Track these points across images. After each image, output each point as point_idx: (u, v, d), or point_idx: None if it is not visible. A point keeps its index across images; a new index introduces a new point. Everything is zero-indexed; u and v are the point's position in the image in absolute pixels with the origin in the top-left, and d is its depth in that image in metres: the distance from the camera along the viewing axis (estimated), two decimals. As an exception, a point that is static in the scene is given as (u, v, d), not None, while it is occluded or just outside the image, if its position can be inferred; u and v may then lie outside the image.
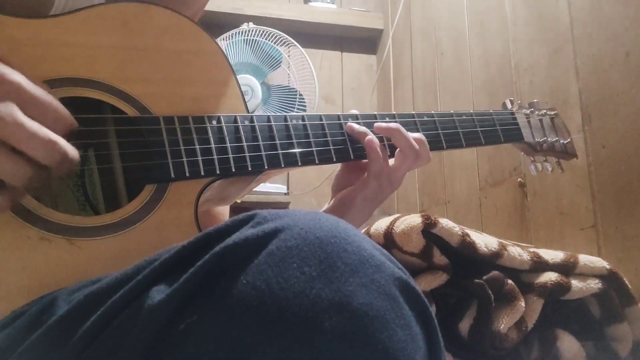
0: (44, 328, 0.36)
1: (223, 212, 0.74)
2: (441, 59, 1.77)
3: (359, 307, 0.32)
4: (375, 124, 0.66)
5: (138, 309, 0.33)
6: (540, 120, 0.83)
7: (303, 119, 0.61)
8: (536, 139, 0.80)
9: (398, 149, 0.67)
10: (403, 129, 0.66)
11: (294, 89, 1.80)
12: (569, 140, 0.84)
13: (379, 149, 0.64)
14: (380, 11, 2.31)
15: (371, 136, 0.64)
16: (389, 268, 0.35)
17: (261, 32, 1.81)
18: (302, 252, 0.33)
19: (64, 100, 0.49)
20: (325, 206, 0.72)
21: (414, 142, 0.66)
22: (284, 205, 1.92)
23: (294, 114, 0.61)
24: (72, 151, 0.42)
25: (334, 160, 0.62)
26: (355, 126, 0.65)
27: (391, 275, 0.35)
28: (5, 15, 0.48)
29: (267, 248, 0.34)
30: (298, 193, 2.06)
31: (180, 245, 0.36)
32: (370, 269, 0.34)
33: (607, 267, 0.87)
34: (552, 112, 0.85)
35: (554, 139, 0.82)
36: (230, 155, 0.54)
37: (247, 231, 0.35)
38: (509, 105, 0.84)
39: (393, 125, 0.66)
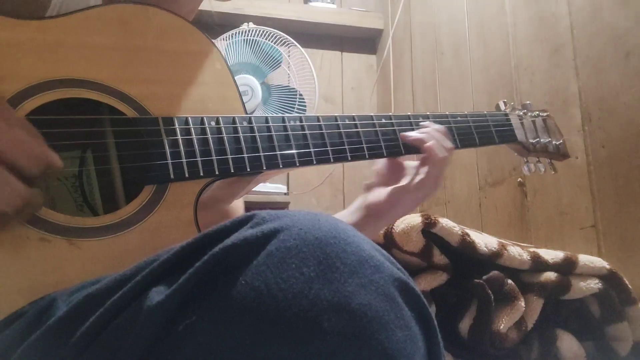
0: (44, 329, 0.36)
1: (237, 210, 0.73)
2: (441, 58, 1.77)
3: (358, 307, 0.32)
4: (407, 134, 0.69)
5: (137, 310, 0.33)
6: (533, 122, 0.84)
7: (301, 120, 0.61)
8: (529, 140, 0.81)
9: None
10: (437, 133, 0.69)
11: (294, 89, 1.80)
12: (561, 141, 0.85)
13: (438, 152, 0.66)
14: (380, 11, 2.31)
15: (430, 142, 0.67)
16: (388, 268, 0.35)
17: (261, 32, 1.81)
18: (301, 253, 0.33)
19: (62, 102, 0.49)
20: (355, 205, 0.71)
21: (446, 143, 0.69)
22: (284, 206, 1.92)
23: (292, 115, 0.61)
24: (35, 197, 0.42)
25: (332, 161, 0.62)
26: (410, 134, 0.68)
27: (390, 275, 0.35)
28: (2, 16, 0.48)
29: (266, 249, 0.34)
30: (298, 193, 2.06)
31: (179, 246, 0.36)
32: (369, 269, 0.34)
33: (607, 267, 0.87)
34: (545, 114, 0.85)
35: (547, 140, 0.83)
36: (229, 156, 0.54)
37: (246, 232, 0.35)
38: (502, 107, 0.84)
39: (424, 136, 0.68)
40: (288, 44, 1.83)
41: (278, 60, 1.80)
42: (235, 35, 1.80)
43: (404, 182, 0.68)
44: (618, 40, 1.01)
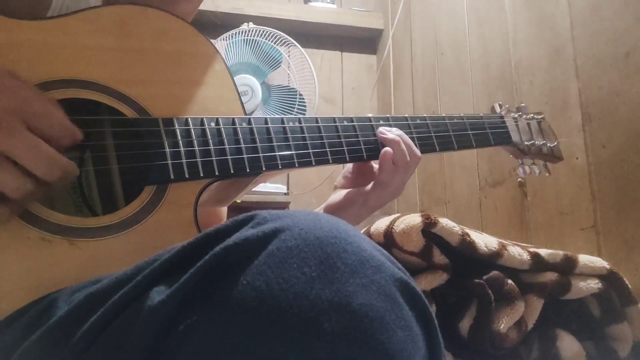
0: (44, 328, 0.36)
1: (222, 214, 0.74)
2: (441, 59, 1.77)
3: (358, 307, 0.32)
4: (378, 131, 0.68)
5: (138, 309, 0.33)
6: (528, 124, 0.85)
7: (300, 121, 0.61)
8: (524, 142, 0.82)
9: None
10: (401, 141, 0.68)
11: (293, 89, 1.80)
12: (555, 143, 0.85)
13: (392, 162, 0.66)
14: (380, 11, 2.31)
15: (388, 148, 0.66)
16: (389, 269, 0.35)
17: (261, 32, 1.81)
18: (302, 253, 0.33)
19: (62, 102, 0.49)
20: (324, 204, 0.73)
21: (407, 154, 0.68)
22: (284, 206, 1.92)
23: (291, 116, 0.62)
24: (72, 167, 0.43)
25: (330, 162, 0.62)
26: (387, 133, 0.67)
27: (391, 275, 0.35)
28: (2, 16, 0.48)
29: (267, 248, 0.34)
30: (298, 193, 2.06)
31: (180, 246, 0.36)
32: (370, 269, 0.34)
33: (607, 267, 0.87)
34: (539, 116, 0.86)
35: (541, 142, 0.84)
36: (229, 157, 0.55)
37: (247, 232, 0.35)
38: (497, 109, 0.85)
39: (391, 136, 0.68)
40: (288, 44, 1.83)
41: (278, 61, 1.80)
42: (235, 35, 1.80)
43: (364, 184, 0.69)
44: (618, 40, 1.01)
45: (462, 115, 0.77)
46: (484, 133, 0.77)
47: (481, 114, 0.79)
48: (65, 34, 0.51)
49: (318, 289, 0.32)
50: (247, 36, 1.80)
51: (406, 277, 0.36)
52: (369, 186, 0.68)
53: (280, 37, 1.81)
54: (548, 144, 0.84)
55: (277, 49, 1.79)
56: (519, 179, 1.29)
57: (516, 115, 0.84)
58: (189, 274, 0.34)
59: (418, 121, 0.72)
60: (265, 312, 0.31)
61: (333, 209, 0.70)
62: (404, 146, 0.67)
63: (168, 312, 0.33)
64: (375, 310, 0.32)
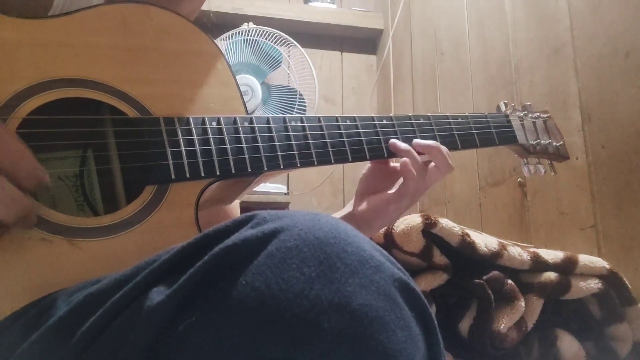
0: (44, 329, 0.36)
1: (233, 214, 0.73)
2: (441, 59, 1.77)
3: (358, 308, 0.32)
4: (415, 141, 0.68)
5: (137, 310, 0.33)
6: (534, 123, 0.83)
7: (302, 121, 0.61)
8: (529, 141, 0.81)
9: (434, 164, 0.68)
10: (443, 148, 0.68)
11: (293, 89, 1.80)
12: (561, 142, 0.84)
13: (414, 170, 0.65)
14: (380, 11, 2.31)
15: (407, 158, 0.66)
16: (389, 269, 0.35)
17: (261, 32, 1.81)
18: (302, 253, 0.33)
19: (63, 102, 0.49)
20: (348, 208, 0.72)
21: (450, 160, 0.68)
22: (284, 206, 1.92)
23: (293, 115, 0.61)
24: (32, 212, 0.42)
25: (332, 161, 0.62)
26: (399, 144, 0.66)
27: (391, 275, 0.35)
28: (3, 15, 0.48)
29: (266, 249, 0.34)
30: (298, 193, 2.06)
31: (180, 246, 0.36)
32: (369, 269, 0.34)
33: (607, 267, 0.88)
34: (545, 115, 0.85)
35: (547, 142, 0.83)
36: (230, 157, 0.54)
37: (246, 232, 0.35)
38: (503, 108, 0.84)
39: (432, 143, 0.68)
40: (288, 44, 1.83)
41: (278, 60, 1.80)
42: (235, 35, 1.80)
43: (388, 191, 0.69)
44: (618, 40, 1.01)
45: (466, 114, 0.76)
46: (488, 132, 0.77)
47: (486, 113, 0.78)
48: (67, 32, 0.51)
49: (318, 289, 0.32)
50: (247, 36, 1.80)
51: (406, 277, 0.36)
52: (399, 193, 0.67)
53: (280, 37, 1.81)
54: (554, 143, 0.84)
55: (277, 49, 1.79)
56: (519, 179, 1.29)
57: (522, 114, 0.83)
58: (188, 275, 0.34)
59: (421, 120, 0.71)
60: (265, 313, 0.31)
61: (364, 220, 0.69)
62: (445, 151, 0.67)
63: (167, 313, 0.33)
64: (375, 311, 0.32)
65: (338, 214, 0.72)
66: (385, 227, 0.84)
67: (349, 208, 0.72)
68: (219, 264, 0.34)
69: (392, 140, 0.67)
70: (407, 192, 0.66)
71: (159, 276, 0.35)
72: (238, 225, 0.36)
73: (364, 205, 0.70)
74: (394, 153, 0.67)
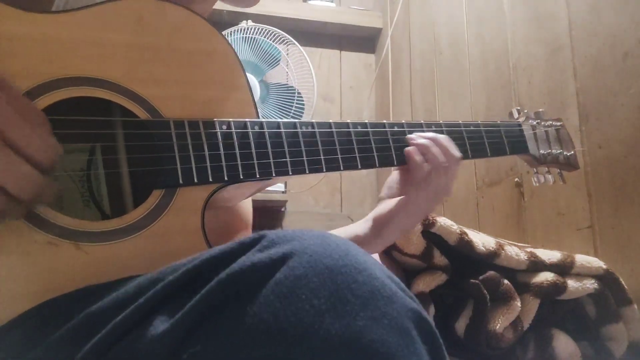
0: (44, 347, 0.35)
1: (246, 216, 0.72)
2: (440, 58, 1.77)
3: (369, 344, 0.31)
4: (413, 135, 0.67)
5: (141, 337, 0.33)
6: (546, 132, 0.81)
7: (313, 126, 0.59)
8: (541, 152, 0.80)
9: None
10: (441, 137, 0.67)
11: (292, 87, 1.80)
12: (572, 152, 0.83)
13: (417, 157, 0.64)
14: (379, 10, 2.31)
15: (411, 147, 0.65)
16: (402, 299, 0.34)
17: (260, 30, 1.81)
18: (311, 283, 0.32)
19: (73, 100, 0.48)
20: (369, 215, 0.71)
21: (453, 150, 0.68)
22: (282, 204, 1.92)
23: (304, 120, 0.60)
24: (48, 186, 0.40)
25: (342, 168, 0.60)
26: (413, 136, 0.65)
27: (404, 306, 0.33)
28: (12, 8, 0.47)
29: (274, 277, 0.32)
30: (295, 192, 2.06)
31: (185, 268, 0.35)
32: (382, 300, 0.33)
33: (604, 267, 0.88)
34: (558, 124, 0.83)
35: (558, 151, 0.81)
36: (239, 162, 0.53)
37: (253, 256, 0.34)
38: (515, 115, 0.82)
39: (431, 135, 0.67)
40: (287, 42, 1.83)
41: (277, 59, 1.79)
42: (234, 33, 1.80)
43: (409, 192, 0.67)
44: (616, 40, 1.01)
45: (478, 123, 0.75)
46: (500, 142, 0.75)
47: (498, 121, 0.77)
48: (80, 28, 0.50)
49: (328, 323, 0.31)
50: (246, 34, 1.79)
51: (419, 307, 0.35)
52: (415, 193, 0.66)
53: (279, 35, 1.81)
54: (565, 153, 0.82)
55: (276, 47, 1.79)
56: (516, 179, 1.29)
57: (534, 123, 0.81)
58: (194, 301, 0.33)
59: (433, 128, 0.70)
60: (273, 346, 0.30)
61: (384, 220, 0.68)
62: (435, 148, 0.66)
63: (172, 342, 0.32)
64: (387, 346, 0.31)
65: (358, 222, 0.71)
66: (395, 239, 0.83)
67: (367, 216, 0.71)
68: (226, 291, 0.33)
69: (410, 135, 0.66)
70: (413, 184, 0.65)
71: (163, 299, 0.35)
72: (246, 247, 0.35)
73: (381, 208, 0.69)
74: (404, 161, 0.66)
